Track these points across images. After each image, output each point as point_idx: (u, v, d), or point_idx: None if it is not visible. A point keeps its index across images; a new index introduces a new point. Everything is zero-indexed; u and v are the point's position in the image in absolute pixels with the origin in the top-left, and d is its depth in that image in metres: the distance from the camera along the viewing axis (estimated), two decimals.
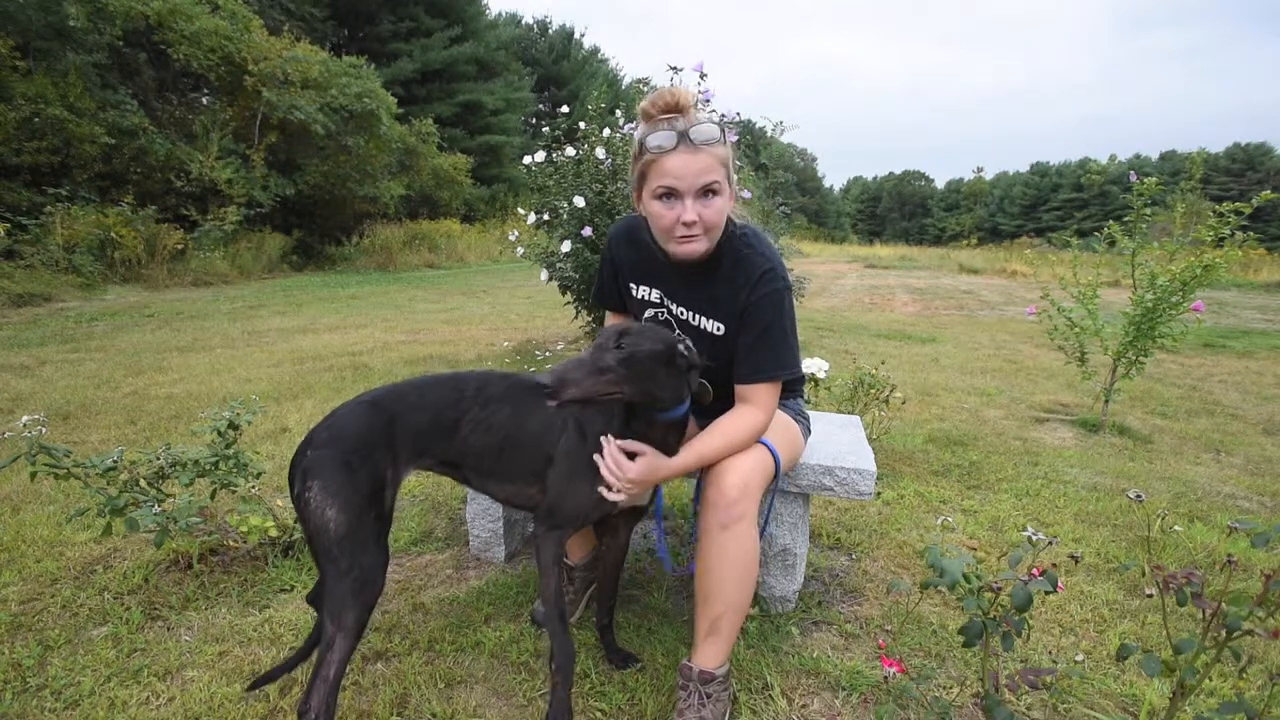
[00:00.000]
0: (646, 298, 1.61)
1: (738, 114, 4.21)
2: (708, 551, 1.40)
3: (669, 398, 1.33)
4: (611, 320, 1.85)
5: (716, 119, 1.38)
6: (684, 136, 1.32)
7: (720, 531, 1.37)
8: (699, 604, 1.42)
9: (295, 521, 2.08)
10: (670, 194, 1.36)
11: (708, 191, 1.36)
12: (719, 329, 1.50)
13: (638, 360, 1.25)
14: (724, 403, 1.49)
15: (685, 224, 1.37)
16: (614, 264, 1.67)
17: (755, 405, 1.45)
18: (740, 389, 1.48)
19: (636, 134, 1.41)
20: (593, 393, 1.21)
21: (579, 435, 1.41)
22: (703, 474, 1.46)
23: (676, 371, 1.32)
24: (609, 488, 1.34)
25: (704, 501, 1.42)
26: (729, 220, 1.46)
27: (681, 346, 1.32)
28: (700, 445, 1.40)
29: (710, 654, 1.40)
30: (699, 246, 1.41)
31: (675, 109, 1.36)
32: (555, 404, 1.18)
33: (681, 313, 1.56)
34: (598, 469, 1.36)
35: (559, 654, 1.35)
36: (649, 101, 1.38)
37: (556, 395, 1.16)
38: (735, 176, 1.43)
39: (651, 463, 1.35)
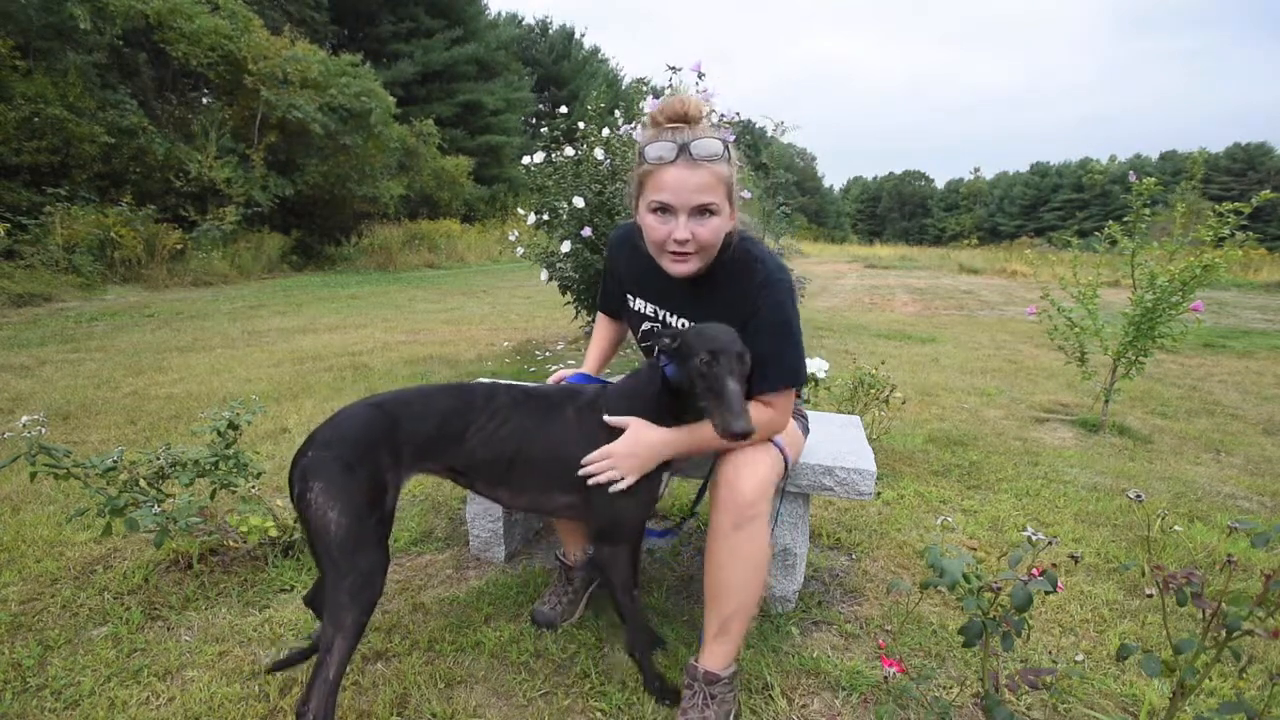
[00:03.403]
0: (642, 311, 1.60)
1: (737, 114, 4.21)
2: (720, 551, 1.37)
3: None
4: (603, 326, 1.84)
5: (722, 134, 1.33)
6: (684, 150, 1.28)
7: (734, 531, 1.35)
8: (709, 604, 1.41)
9: (295, 522, 2.09)
10: (664, 209, 1.33)
11: (704, 211, 1.32)
12: None
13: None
14: None
15: (678, 241, 1.34)
16: (614, 273, 1.66)
17: (773, 409, 1.44)
18: (756, 399, 1.45)
19: (640, 140, 1.38)
20: None
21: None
22: (714, 477, 1.44)
23: None
24: (613, 482, 1.35)
25: (716, 503, 1.39)
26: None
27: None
28: (703, 429, 1.35)
29: (718, 655, 1.39)
30: (690, 266, 1.39)
31: (683, 119, 1.32)
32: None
33: (682, 325, 1.53)
34: (640, 478, 1.37)
35: (639, 641, 1.47)
36: (658, 108, 1.35)
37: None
38: (738, 196, 1.39)
39: (637, 433, 1.35)
